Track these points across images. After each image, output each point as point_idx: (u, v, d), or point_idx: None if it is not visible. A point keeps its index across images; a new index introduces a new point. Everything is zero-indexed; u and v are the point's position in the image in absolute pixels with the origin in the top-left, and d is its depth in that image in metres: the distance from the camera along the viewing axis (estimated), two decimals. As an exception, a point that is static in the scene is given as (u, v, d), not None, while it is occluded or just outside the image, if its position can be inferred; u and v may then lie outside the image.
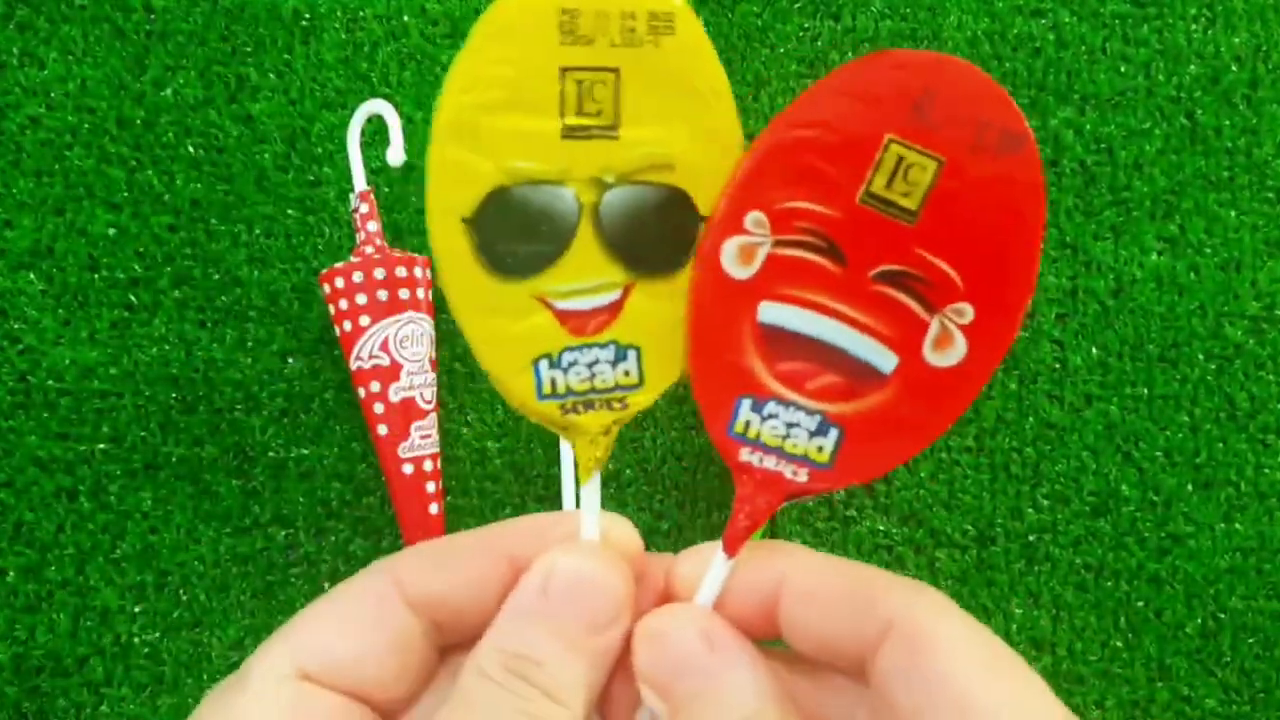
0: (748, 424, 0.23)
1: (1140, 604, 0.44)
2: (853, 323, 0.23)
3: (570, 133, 0.22)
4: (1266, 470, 0.45)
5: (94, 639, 0.42)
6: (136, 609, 0.43)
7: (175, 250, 0.44)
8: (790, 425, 0.23)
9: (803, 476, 0.24)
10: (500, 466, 0.44)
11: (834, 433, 0.23)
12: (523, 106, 0.22)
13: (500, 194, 0.22)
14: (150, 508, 0.43)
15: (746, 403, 0.23)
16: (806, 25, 0.46)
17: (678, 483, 0.44)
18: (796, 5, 0.46)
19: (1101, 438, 0.45)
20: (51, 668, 0.42)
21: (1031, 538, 0.44)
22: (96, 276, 0.44)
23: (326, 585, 0.43)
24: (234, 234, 0.44)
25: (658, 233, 0.23)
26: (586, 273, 0.23)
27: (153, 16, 0.45)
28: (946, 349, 0.23)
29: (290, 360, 0.44)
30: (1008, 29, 0.46)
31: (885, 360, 0.23)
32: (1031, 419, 0.45)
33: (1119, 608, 0.44)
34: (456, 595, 0.22)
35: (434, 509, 0.42)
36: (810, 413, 0.23)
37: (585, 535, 0.23)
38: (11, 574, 0.43)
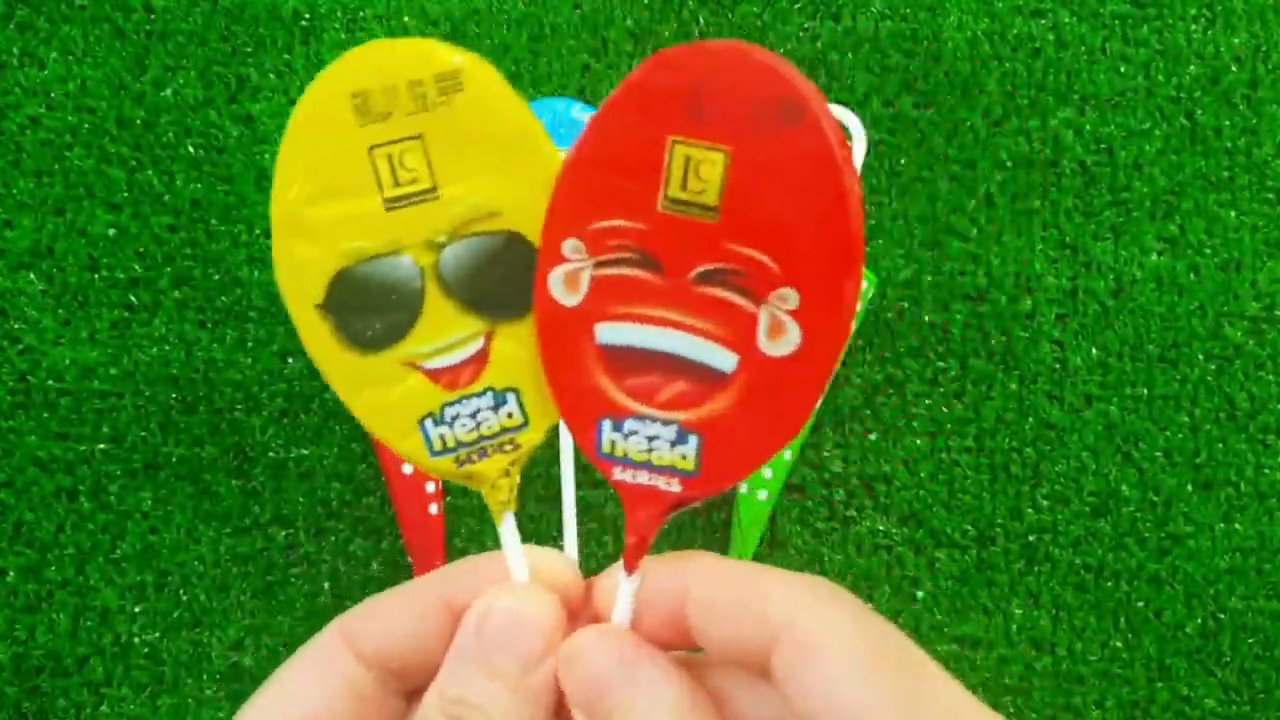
0: (613, 443, 0.24)
1: (1140, 604, 0.44)
2: (686, 328, 0.23)
3: (392, 204, 0.23)
4: (1266, 470, 0.45)
5: (94, 639, 0.42)
6: (136, 609, 0.43)
7: (175, 250, 0.44)
8: (651, 439, 0.23)
9: (675, 486, 0.24)
10: (500, 467, 0.44)
11: (693, 440, 0.23)
12: (342, 192, 0.23)
13: (343, 276, 0.24)
14: (150, 508, 0.43)
15: (607, 423, 0.24)
16: (806, 26, 0.46)
17: (678, 483, 0.44)
18: (796, 6, 0.46)
19: (1101, 438, 0.45)
20: (51, 668, 0.42)
21: (1031, 538, 0.44)
22: (96, 276, 0.44)
23: (327, 585, 0.43)
24: (234, 234, 0.44)
25: (501, 277, 0.24)
26: (444, 330, 0.24)
27: (153, 16, 0.45)
28: (780, 338, 0.22)
29: (290, 360, 0.44)
30: (1007, 29, 0.46)
31: (726, 360, 0.23)
32: (1031, 419, 0.45)
33: (1119, 608, 0.44)
34: (401, 646, 0.23)
35: (434, 509, 0.42)
36: (666, 423, 0.23)
37: (514, 577, 0.24)
38: (11, 574, 0.43)
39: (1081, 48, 0.46)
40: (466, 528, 0.43)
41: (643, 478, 0.24)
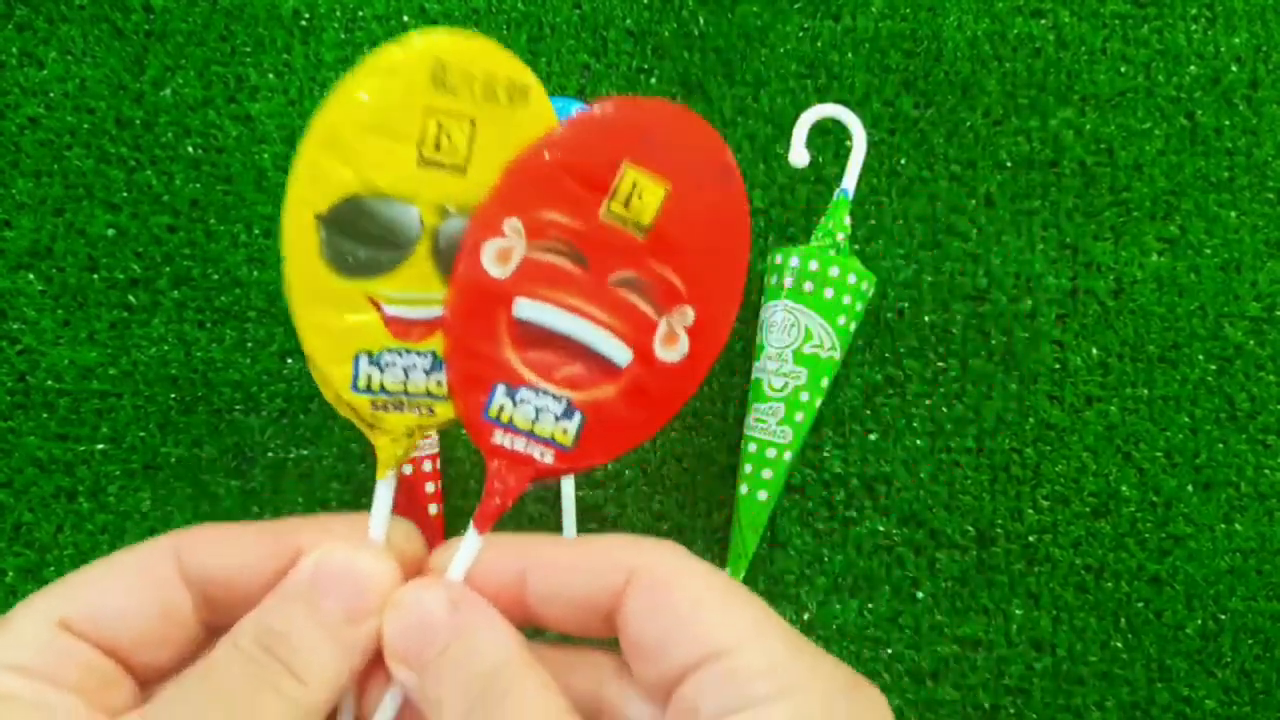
0: (501, 408, 0.26)
1: (1140, 605, 0.44)
2: (595, 321, 0.27)
3: (425, 163, 0.26)
4: (1267, 471, 0.45)
5: (93, 640, 0.42)
6: (136, 610, 0.43)
7: (174, 250, 0.44)
8: (539, 409, 0.26)
9: (549, 458, 0.27)
10: (500, 467, 0.44)
11: (577, 417, 0.27)
12: (388, 132, 0.25)
13: (354, 200, 0.26)
14: (150, 508, 0.43)
15: (501, 388, 0.26)
16: (806, 25, 0.46)
17: (678, 483, 0.44)
18: (796, 5, 0.46)
19: (1102, 438, 0.45)
20: (50, 668, 0.42)
21: (1032, 538, 0.44)
22: (96, 277, 0.44)
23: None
24: (233, 234, 0.44)
25: None
26: (417, 284, 0.25)
27: (152, 16, 0.45)
28: (672, 346, 0.27)
29: (289, 360, 0.44)
30: (1008, 29, 0.46)
31: (622, 354, 0.27)
32: (1032, 420, 0.45)
33: (1119, 608, 0.44)
34: (233, 576, 0.23)
35: (433, 510, 0.42)
36: (557, 398, 0.26)
37: (372, 533, 0.25)
38: (11, 574, 0.43)
39: (1082, 48, 0.46)
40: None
41: (520, 444, 0.26)
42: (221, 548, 0.23)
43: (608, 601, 0.23)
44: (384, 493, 0.25)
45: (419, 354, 0.25)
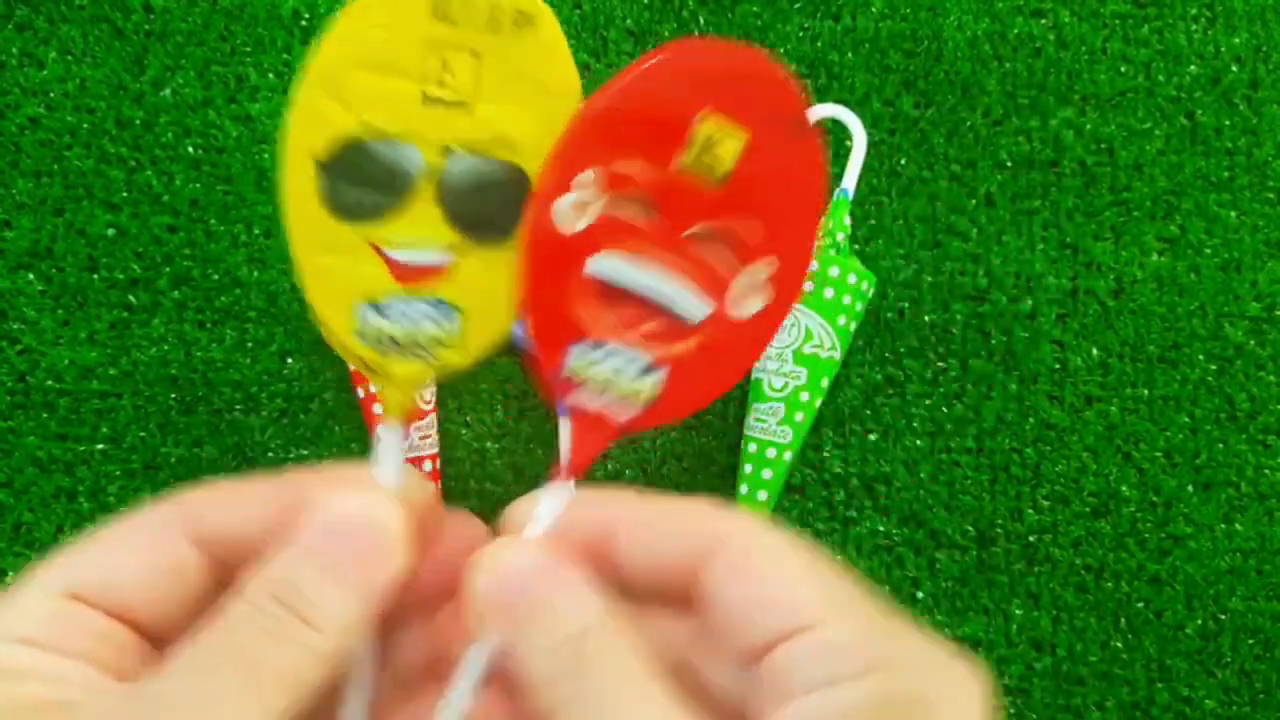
0: (578, 367, 0.26)
1: (1140, 605, 0.44)
2: (672, 275, 0.26)
3: (428, 100, 0.24)
4: (1267, 471, 0.45)
5: (93, 640, 0.42)
6: (136, 610, 0.43)
7: (174, 251, 0.44)
8: (618, 368, 0.26)
9: (627, 415, 0.26)
10: (500, 467, 0.44)
11: (657, 373, 0.26)
12: (389, 69, 0.24)
13: (354, 143, 0.24)
14: (149, 508, 0.43)
15: (579, 348, 0.26)
16: (806, 25, 0.46)
17: (678, 483, 0.44)
18: (796, 5, 0.46)
19: (1102, 438, 0.45)
20: (51, 668, 0.42)
21: (1032, 538, 0.44)
22: (96, 277, 0.44)
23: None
24: (233, 234, 0.44)
25: (493, 203, 0.25)
26: (420, 228, 0.24)
27: (152, 16, 0.45)
28: (749, 300, 0.26)
29: (289, 360, 0.44)
30: (1008, 29, 0.46)
31: (699, 309, 0.26)
32: (1032, 420, 0.45)
33: (1119, 608, 0.44)
34: (240, 531, 0.23)
35: (434, 510, 0.42)
36: (636, 356, 0.26)
37: (381, 479, 0.24)
38: (11, 574, 0.43)
39: (1082, 48, 0.46)
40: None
41: (597, 403, 0.26)
42: (228, 504, 0.23)
43: (691, 566, 0.22)
44: (390, 439, 0.25)
45: (426, 301, 0.25)
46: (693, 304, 0.26)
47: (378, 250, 0.24)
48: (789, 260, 0.26)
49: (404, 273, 0.24)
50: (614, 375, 0.26)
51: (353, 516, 0.22)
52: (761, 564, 0.22)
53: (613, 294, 0.26)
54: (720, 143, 0.25)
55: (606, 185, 0.25)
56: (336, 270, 0.24)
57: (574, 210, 0.25)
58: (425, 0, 0.24)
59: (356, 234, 0.24)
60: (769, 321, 0.26)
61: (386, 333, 0.24)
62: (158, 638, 0.23)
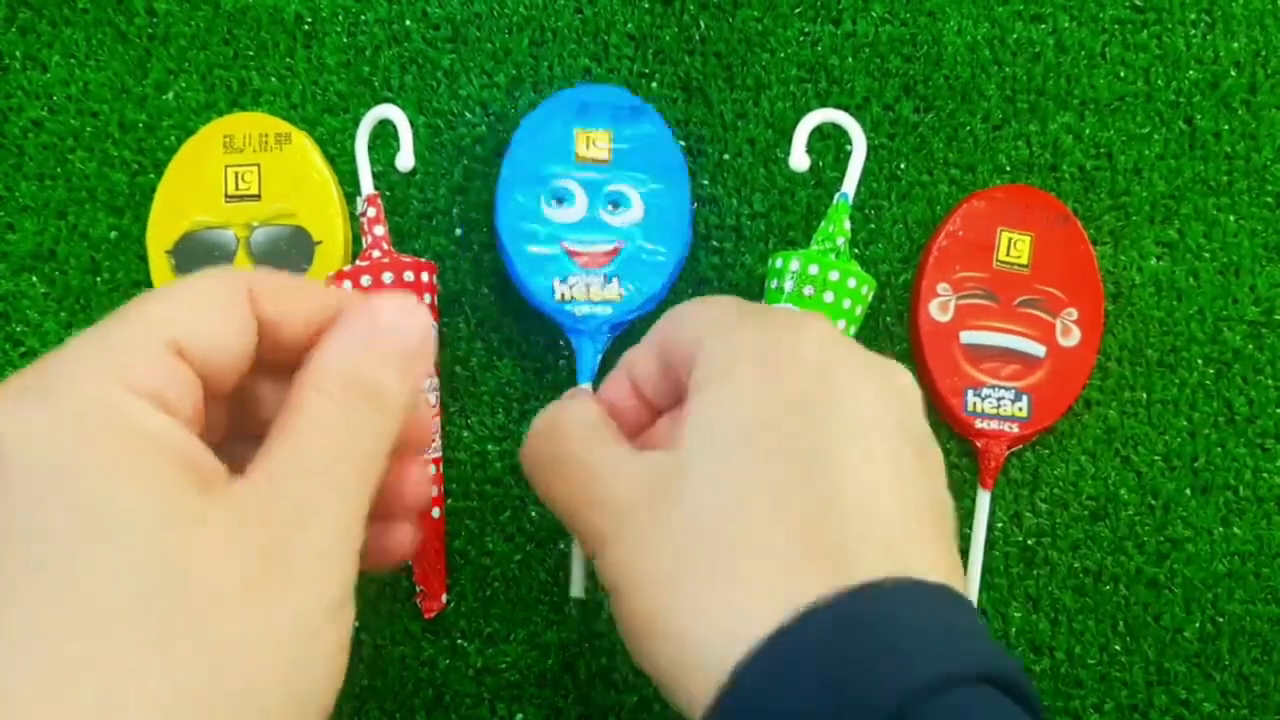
0: (975, 404, 0.43)
1: (1139, 608, 0.44)
2: (1015, 333, 0.43)
3: (230, 199, 0.42)
4: (1265, 475, 0.45)
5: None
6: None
7: (177, 253, 0.44)
8: (999, 400, 0.43)
9: (1015, 428, 0.43)
10: (501, 469, 0.44)
11: (1026, 398, 0.43)
12: (201, 189, 0.43)
13: (189, 235, 0.42)
14: (151, 510, 0.43)
15: (970, 392, 0.43)
16: (807, 30, 0.46)
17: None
18: (796, 10, 0.46)
19: (1100, 442, 0.45)
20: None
21: (1030, 541, 0.44)
22: (98, 279, 0.44)
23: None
24: (235, 237, 0.44)
25: (286, 251, 0.42)
26: None
27: (155, 20, 0.45)
28: (1070, 336, 0.43)
29: (291, 363, 0.44)
30: (1007, 34, 0.46)
31: (1039, 350, 0.43)
32: (1031, 423, 0.45)
33: (1118, 612, 0.44)
34: (293, 320, 0.24)
35: (435, 513, 0.42)
36: (1008, 389, 0.43)
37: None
38: (13, 576, 0.43)
39: (1081, 52, 0.46)
40: (467, 530, 0.43)
41: (993, 424, 0.43)
42: (287, 290, 0.24)
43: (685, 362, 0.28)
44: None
45: None
46: (1034, 348, 0.43)
47: None
48: (1085, 306, 0.43)
49: None
50: (998, 405, 0.42)
51: (404, 312, 0.25)
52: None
53: (982, 353, 0.43)
54: (1017, 243, 0.43)
55: (957, 287, 0.43)
56: None
57: (939, 309, 0.43)
58: (218, 140, 0.43)
59: None
60: (1087, 349, 0.43)
61: None
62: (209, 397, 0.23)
